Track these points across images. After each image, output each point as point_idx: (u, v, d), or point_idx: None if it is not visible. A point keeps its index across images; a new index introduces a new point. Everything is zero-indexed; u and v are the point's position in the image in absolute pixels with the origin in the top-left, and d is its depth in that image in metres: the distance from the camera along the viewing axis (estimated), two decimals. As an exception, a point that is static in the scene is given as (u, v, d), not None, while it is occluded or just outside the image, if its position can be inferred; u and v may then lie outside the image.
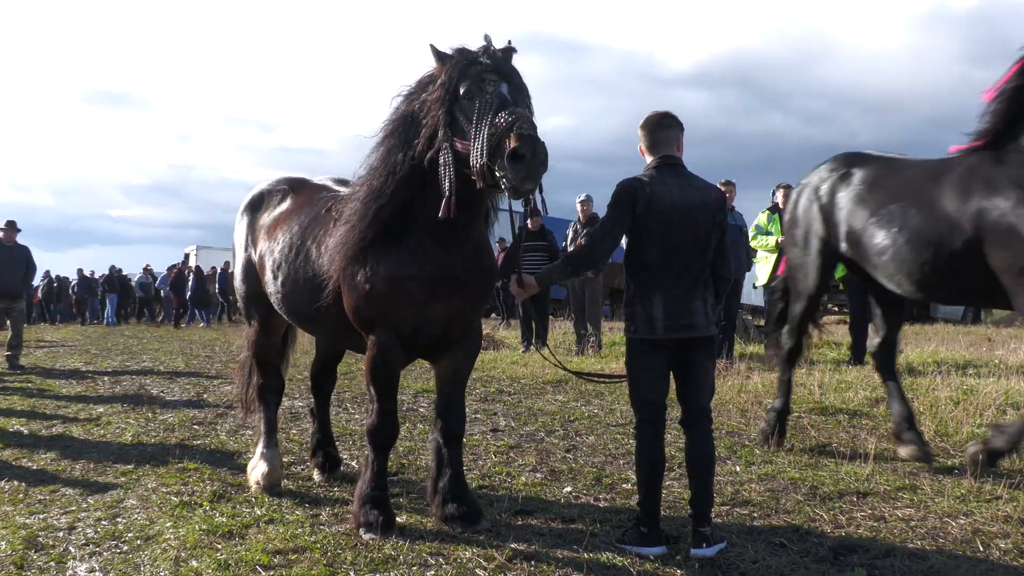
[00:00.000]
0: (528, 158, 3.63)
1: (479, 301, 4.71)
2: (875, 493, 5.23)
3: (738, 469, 5.87)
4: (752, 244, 11.60)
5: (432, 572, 3.94)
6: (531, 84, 4.10)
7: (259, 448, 5.46)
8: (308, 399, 6.28)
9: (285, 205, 5.29)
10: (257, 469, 5.36)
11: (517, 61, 4.16)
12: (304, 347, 7.57)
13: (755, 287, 12.32)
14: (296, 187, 5.42)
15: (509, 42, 4.17)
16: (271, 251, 5.10)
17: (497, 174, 3.72)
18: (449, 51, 4.10)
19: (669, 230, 4.26)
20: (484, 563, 4.04)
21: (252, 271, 5.44)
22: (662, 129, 4.46)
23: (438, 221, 4.07)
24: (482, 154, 3.75)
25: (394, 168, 4.24)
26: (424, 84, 4.25)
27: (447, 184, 3.99)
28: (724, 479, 5.60)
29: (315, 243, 4.75)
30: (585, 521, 4.71)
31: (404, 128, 4.26)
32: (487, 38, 4.08)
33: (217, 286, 30.99)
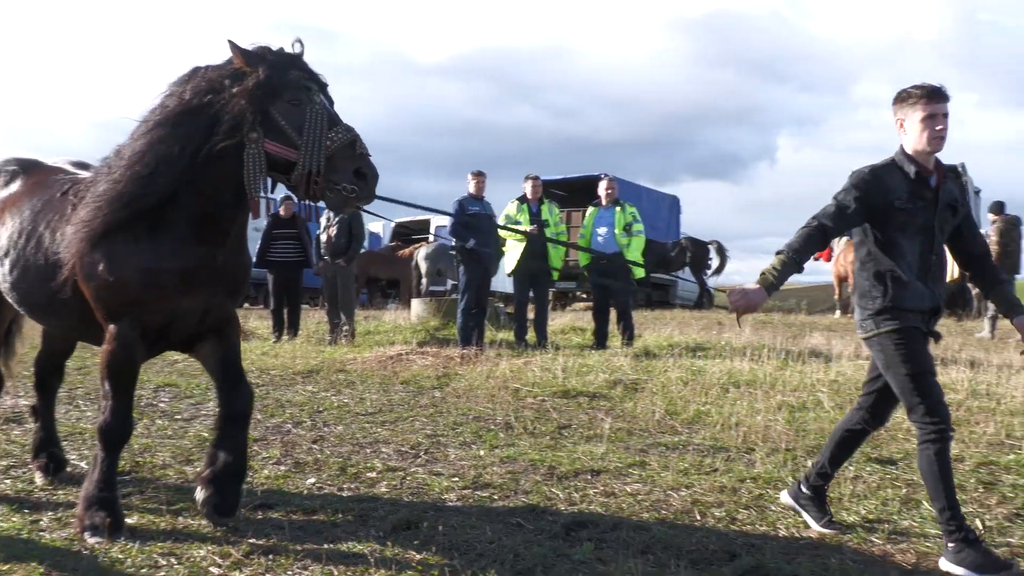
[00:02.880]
0: (370, 178, 3.90)
1: (235, 294, 4.58)
2: (607, 470, 5.54)
3: (482, 453, 6.04)
4: (501, 233, 11.91)
5: (163, 573, 3.80)
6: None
7: None
8: (33, 396, 5.84)
9: (15, 187, 4.89)
10: None
11: None
12: (33, 341, 7.07)
13: (508, 275, 12.62)
14: (27, 168, 5.01)
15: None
16: (1, 233, 4.71)
17: (331, 186, 3.87)
18: (252, 48, 4.00)
19: None
20: (219, 560, 3.93)
21: None
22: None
23: (202, 215, 4.09)
24: (317, 165, 3.83)
25: (168, 158, 4.03)
26: (221, 78, 4.06)
27: (257, 184, 3.96)
28: (468, 463, 5.75)
29: (48, 228, 4.44)
30: (327, 512, 4.68)
31: (185, 119, 4.05)
32: (300, 42, 4.05)
33: None
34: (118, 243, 4.09)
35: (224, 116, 3.98)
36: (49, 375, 5.58)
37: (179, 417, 7.36)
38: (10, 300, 4.81)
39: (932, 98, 4.07)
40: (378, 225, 27.97)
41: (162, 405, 7.97)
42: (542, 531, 4.41)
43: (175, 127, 4.06)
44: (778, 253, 4.23)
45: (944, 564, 4.00)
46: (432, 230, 25.80)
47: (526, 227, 11.53)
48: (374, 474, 5.50)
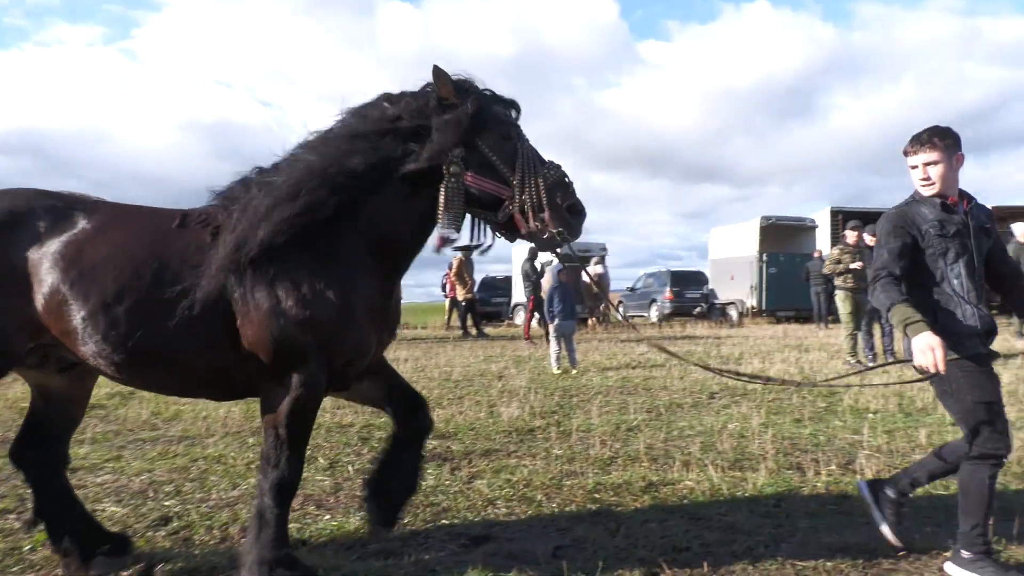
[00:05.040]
0: (582, 215, 2.66)
1: (395, 332, 3.05)
2: (84, 467, 4.77)
3: None
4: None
5: None
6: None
7: None
8: None
9: (82, 226, 2.67)
10: None
11: None
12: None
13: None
14: (77, 203, 2.77)
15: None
16: (88, 278, 2.56)
17: (550, 225, 2.57)
18: (457, 78, 2.64)
19: None
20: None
21: (14, 316, 2.60)
22: None
23: (382, 248, 2.66)
24: (536, 201, 2.56)
25: (346, 172, 2.56)
26: (426, 103, 2.63)
27: (454, 218, 2.60)
28: None
29: (184, 264, 2.58)
30: None
31: (378, 136, 2.61)
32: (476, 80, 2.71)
33: None
34: (306, 277, 2.55)
35: (426, 143, 2.61)
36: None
37: None
38: (104, 362, 2.61)
39: (907, 149, 2.97)
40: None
41: None
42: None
43: (365, 141, 2.61)
44: (894, 304, 2.80)
45: (951, 568, 2.98)
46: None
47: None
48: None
